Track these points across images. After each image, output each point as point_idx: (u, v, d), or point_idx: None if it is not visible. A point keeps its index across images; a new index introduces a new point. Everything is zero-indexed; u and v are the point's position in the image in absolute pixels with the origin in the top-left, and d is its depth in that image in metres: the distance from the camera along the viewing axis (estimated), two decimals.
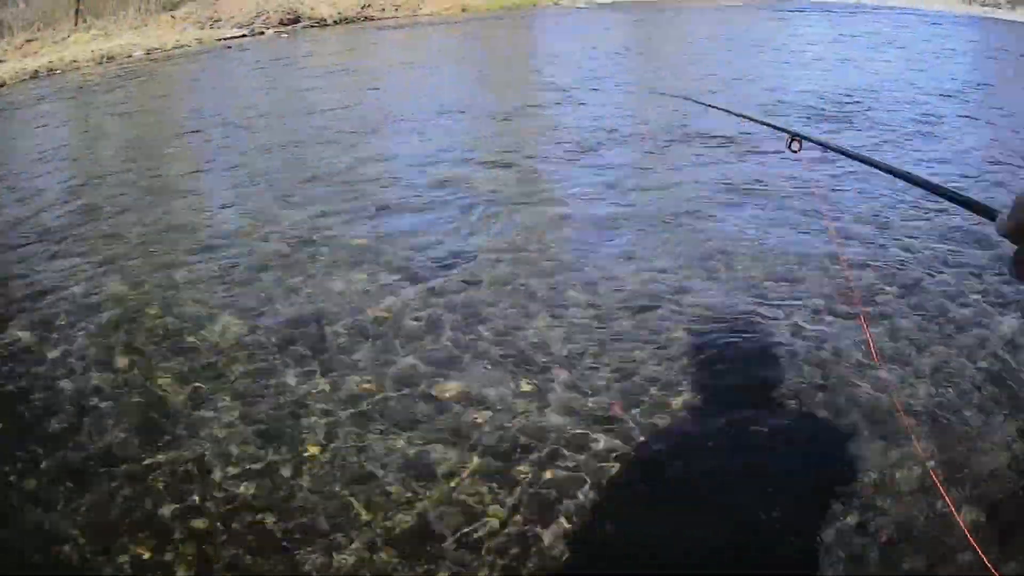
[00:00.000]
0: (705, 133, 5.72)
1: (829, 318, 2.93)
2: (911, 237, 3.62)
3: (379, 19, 15.68)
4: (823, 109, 6.77)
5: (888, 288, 3.15)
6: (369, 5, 15.85)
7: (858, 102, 7.04)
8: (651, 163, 5.21)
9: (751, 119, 3.16)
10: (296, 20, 13.87)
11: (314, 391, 2.69)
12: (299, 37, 13.11)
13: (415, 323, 3.10)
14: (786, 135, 2.05)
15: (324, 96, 8.05)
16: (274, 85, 9.36)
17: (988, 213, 1.29)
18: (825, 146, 2.15)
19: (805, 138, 2.02)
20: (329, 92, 8.31)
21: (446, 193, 4.67)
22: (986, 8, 31.43)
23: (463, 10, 18.09)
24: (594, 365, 2.73)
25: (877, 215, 3.92)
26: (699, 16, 18.47)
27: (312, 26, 13.99)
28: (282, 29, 13.34)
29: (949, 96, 7.28)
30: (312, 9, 14.38)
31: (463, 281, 3.45)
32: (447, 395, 2.62)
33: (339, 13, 14.83)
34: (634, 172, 5.06)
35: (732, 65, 9.34)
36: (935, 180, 1.28)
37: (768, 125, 2.77)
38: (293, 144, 6.21)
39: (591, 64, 9.56)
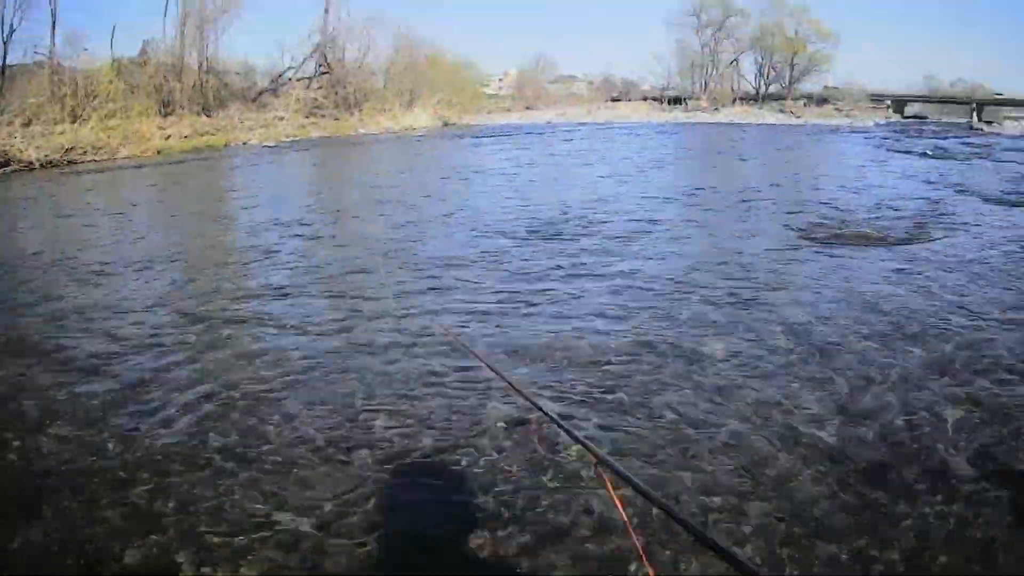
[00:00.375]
0: None
1: None
2: None
3: (81, 162, 18.76)
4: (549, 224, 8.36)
5: None
6: (72, 148, 18.94)
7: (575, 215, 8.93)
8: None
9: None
10: (6, 163, 16.53)
11: None
12: (9, 180, 15.32)
13: None
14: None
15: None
16: None
17: None
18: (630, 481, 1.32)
19: (612, 467, 1.42)
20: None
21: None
22: (689, 114, 42.61)
23: (158, 152, 21.80)
24: None
25: None
26: (384, 147, 23.97)
27: (20, 169, 16.69)
28: None
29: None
30: (21, 152, 17.17)
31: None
32: None
33: (45, 156, 17.74)
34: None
35: (430, 187, 12.38)
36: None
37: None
38: None
39: (282, 206, 10.77)
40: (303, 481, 3.03)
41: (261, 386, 3.99)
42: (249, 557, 2.55)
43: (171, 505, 2.85)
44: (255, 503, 2.87)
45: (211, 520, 2.75)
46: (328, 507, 2.84)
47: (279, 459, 3.20)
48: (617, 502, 1.46)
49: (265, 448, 3.31)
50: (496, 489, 2.93)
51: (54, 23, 24.75)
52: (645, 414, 3.53)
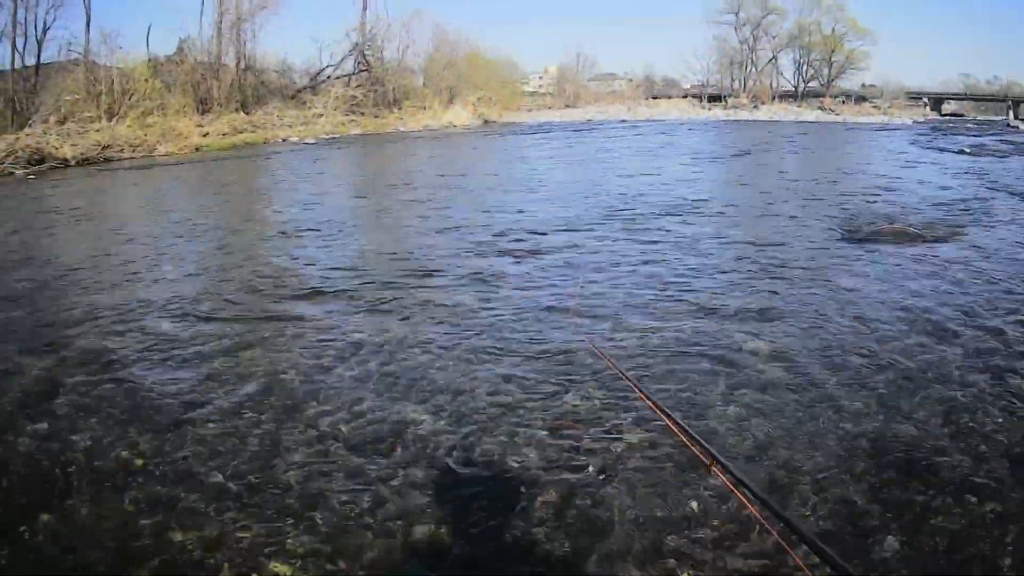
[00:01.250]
0: None
1: None
2: None
3: (118, 159, 17.99)
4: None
5: None
6: (108, 146, 18.15)
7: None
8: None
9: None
10: (42, 160, 15.75)
11: None
12: (45, 176, 14.71)
13: None
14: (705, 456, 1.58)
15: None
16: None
17: None
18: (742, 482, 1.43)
19: (725, 465, 1.50)
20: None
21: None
22: (729, 111, 42.08)
23: (197, 149, 20.97)
24: None
25: None
26: (425, 144, 23.37)
27: (56, 167, 15.94)
28: (30, 170, 15.17)
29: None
30: (57, 149, 16.39)
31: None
32: None
33: (81, 153, 16.99)
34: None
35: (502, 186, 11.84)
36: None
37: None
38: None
39: (330, 200, 10.72)
40: None
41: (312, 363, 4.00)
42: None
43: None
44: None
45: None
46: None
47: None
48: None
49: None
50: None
51: (88, 21, 24.23)
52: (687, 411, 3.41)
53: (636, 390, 2.26)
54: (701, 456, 1.66)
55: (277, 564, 2.39)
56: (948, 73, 78.85)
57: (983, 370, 3.86)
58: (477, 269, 6.19)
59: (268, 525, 2.58)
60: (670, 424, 1.88)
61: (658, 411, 1.98)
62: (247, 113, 25.85)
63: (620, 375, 2.92)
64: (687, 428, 1.76)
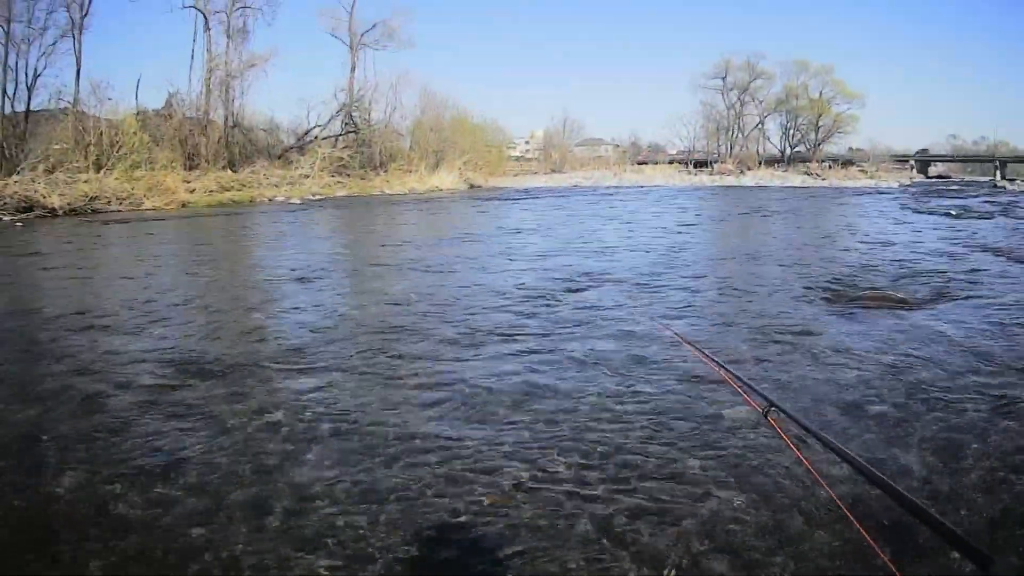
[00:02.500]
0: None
1: None
2: None
3: (105, 211, 17.67)
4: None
5: None
6: (96, 198, 17.84)
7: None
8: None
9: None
10: (30, 208, 15.41)
11: None
12: (33, 225, 14.39)
13: None
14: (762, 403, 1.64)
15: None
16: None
17: (979, 558, 1.00)
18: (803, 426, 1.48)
19: (782, 410, 1.57)
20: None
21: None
22: (715, 177, 42.29)
23: (183, 206, 20.71)
24: None
25: None
26: (410, 210, 23.09)
27: (44, 215, 15.60)
28: (17, 217, 14.81)
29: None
30: (44, 198, 16.06)
31: None
32: None
33: (68, 204, 16.65)
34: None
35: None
36: (918, 502, 1.09)
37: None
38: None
39: (309, 258, 10.64)
40: None
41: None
42: None
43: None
44: None
45: None
46: None
47: None
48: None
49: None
50: None
51: (79, 70, 24.27)
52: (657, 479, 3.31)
53: (698, 351, 2.40)
54: (756, 405, 1.74)
55: None
56: (936, 135, 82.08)
57: (967, 434, 3.83)
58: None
59: None
60: (726, 376, 2.10)
61: (717, 367, 2.15)
62: (234, 171, 25.79)
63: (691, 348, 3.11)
64: (742, 378, 1.93)
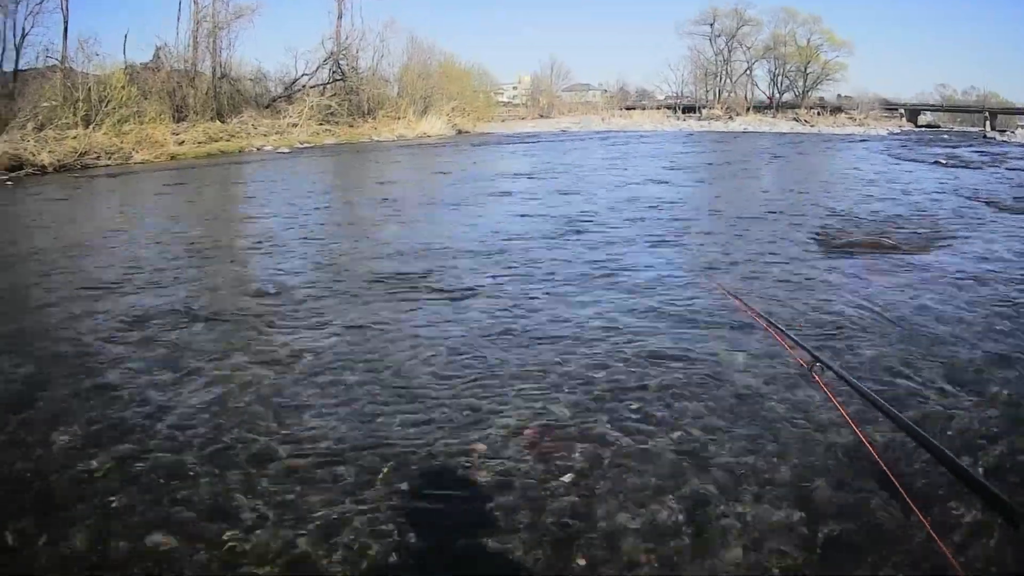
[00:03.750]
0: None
1: None
2: None
3: (94, 166, 18.40)
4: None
5: None
6: (85, 153, 18.56)
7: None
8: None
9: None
10: (20, 166, 16.13)
11: None
12: (24, 183, 15.01)
13: None
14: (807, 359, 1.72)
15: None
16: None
17: (1013, 517, 0.98)
18: (848, 382, 1.55)
19: (828, 366, 1.67)
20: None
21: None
22: (703, 122, 42.47)
23: (172, 157, 21.44)
24: None
25: None
26: (399, 153, 23.68)
27: (34, 173, 16.33)
28: (8, 176, 15.55)
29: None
30: (34, 155, 16.78)
31: None
32: None
33: (58, 160, 17.38)
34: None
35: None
36: (960, 462, 1.14)
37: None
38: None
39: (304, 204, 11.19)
40: None
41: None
42: None
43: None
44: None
45: None
46: None
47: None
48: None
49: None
50: None
51: (66, 27, 24.58)
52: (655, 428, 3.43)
53: (752, 312, 2.55)
54: (801, 361, 1.82)
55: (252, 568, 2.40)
56: (925, 84, 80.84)
57: (953, 379, 3.91)
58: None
59: (239, 533, 2.56)
60: (773, 331, 2.21)
61: (763, 322, 2.32)
62: (222, 121, 26.31)
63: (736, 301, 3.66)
64: (788, 333, 2.03)
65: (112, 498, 2.74)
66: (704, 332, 4.68)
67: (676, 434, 3.23)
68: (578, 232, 8.47)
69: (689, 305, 5.29)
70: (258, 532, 2.56)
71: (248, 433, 3.28)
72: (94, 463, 2.99)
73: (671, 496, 2.73)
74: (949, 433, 3.25)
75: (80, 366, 4.15)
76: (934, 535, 2.21)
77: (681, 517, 2.60)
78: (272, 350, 4.40)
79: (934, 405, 3.56)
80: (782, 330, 2.10)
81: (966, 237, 8.19)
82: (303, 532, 2.56)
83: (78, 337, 4.71)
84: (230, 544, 2.50)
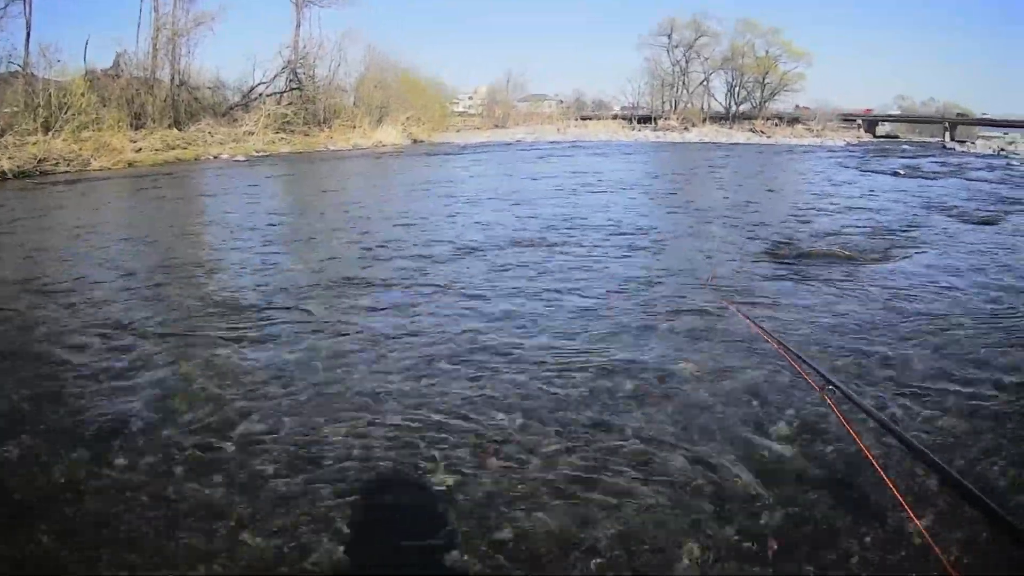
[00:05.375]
0: None
1: None
2: None
3: (53, 173, 19.31)
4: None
5: None
6: (44, 159, 19.53)
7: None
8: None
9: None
10: None
11: None
12: None
13: None
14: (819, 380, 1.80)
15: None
16: None
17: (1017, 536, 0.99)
18: (860, 406, 1.66)
19: (840, 389, 1.72)
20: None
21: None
22: (658, 133, 42.70)
23: (129, 165, 22.40)
24: None
25: None
26: (355, 164, 24.12)
27: None
28: None
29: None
30: None
31: None
32: None
33: (18, 166, 18.33)
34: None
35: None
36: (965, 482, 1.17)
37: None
38: None
39: (260, 219, 11.09)
40: None
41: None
42: None
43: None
44: None
45: None
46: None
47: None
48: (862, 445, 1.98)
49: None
50: None
51: (28, 33, 25.38)
52: (607, 440, 3.51)
53: (761, 331, 2.74)
54: (812, 382, 1.84)
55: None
56: (884, 97, 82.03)
57: (906, 389, 3.99)
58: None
59: (203, 538, 2.67)
60: (783, 352, 2.25)
61: (774, 343, 2.40)
62: (180, 129, 27.31)
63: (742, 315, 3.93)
64: (800, 355, 2.08)
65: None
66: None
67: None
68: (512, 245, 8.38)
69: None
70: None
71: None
72: None
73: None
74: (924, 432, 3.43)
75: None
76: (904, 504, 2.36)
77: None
78: (215, 358, 4.61)
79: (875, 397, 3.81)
80: (798, 355, 2.13)
81: (923, 248, 8.20)
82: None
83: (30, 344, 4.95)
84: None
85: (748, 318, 3.52)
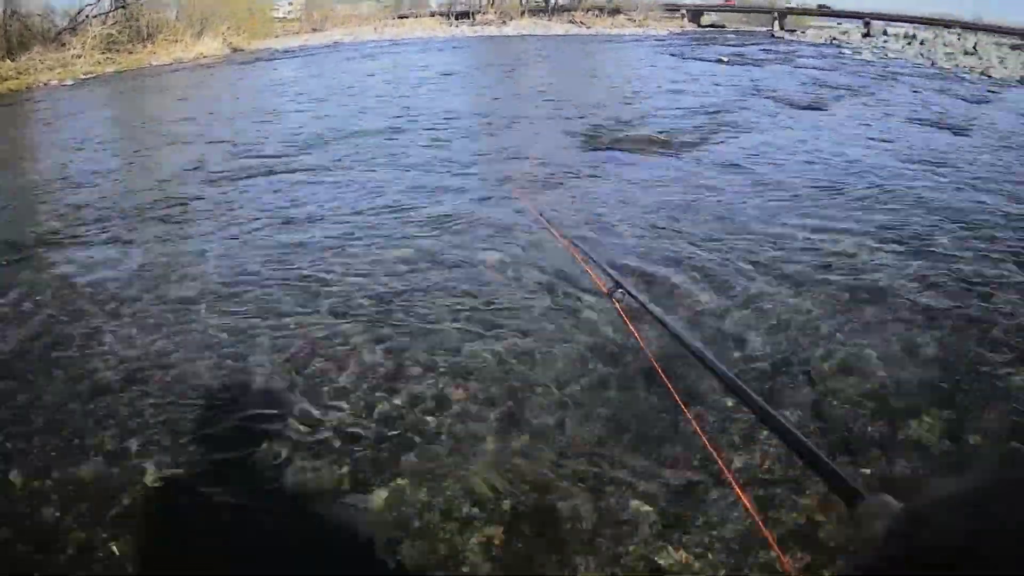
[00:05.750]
0: None
1: None
2: None
3: None
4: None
5: None
6: None
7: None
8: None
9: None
10: None
11: None
12: None
13: None
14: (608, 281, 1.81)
15: None
16: None
17: (848, 495, 0.95)
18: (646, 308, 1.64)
19: (628, 291, 1.73)
20: None
21: None
22: (476, 28, 44.28)
23: None
24: None
25: None
26: (174, 77, 25.04)
27: None
28: None
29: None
30: None
31: None
32: None
33: None
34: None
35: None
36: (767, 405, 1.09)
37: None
38: None
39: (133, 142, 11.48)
40: None
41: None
42: None
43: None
44: None
45: None
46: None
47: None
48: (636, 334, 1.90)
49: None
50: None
51: None
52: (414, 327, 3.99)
53: (550, 229, 2.75)
54: (601, 283, 1.89)
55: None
56: None
57: (703, 266, 4.33)
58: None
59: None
60: (574, 252, 2.41)
61: (564, 242, 2.51)
62: (13, 60, 32.70)
63: (537, 217, 3.79)
64: (590, 254, 2.16)
65: None
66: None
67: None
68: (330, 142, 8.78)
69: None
70: None
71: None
72: None
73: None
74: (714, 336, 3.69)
75: None
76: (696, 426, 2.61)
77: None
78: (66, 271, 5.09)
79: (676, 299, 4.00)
80: (587, 253, 2.18)
81: (742, 133, 8.03)
82: None
83: None
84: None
85: (543, 217, 3.58)
